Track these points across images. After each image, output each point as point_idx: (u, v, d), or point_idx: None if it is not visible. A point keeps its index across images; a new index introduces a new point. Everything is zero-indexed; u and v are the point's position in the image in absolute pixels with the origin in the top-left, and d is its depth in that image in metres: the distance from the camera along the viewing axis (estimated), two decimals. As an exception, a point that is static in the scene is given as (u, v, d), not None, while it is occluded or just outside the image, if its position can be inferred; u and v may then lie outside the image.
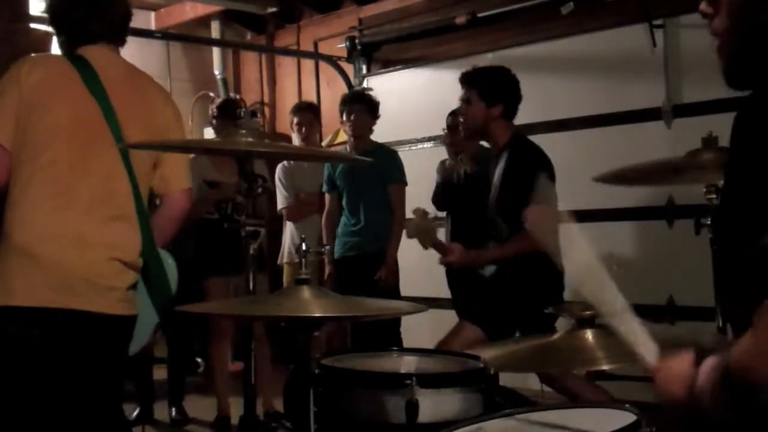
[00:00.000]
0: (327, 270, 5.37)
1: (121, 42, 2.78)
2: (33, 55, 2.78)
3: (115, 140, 2.56)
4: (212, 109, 5.36)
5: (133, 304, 2.57)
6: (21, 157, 2.50)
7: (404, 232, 4.34)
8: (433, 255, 5.22)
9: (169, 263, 2.72)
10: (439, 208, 5.28)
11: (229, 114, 5.13)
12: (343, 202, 5.35)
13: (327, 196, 5.44)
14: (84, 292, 2.44)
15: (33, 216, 2.46)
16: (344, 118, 5.31)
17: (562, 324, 2.21)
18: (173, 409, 5.26)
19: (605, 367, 1.98)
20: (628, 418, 1.81)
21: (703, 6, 1.34)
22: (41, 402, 2.42)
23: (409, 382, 2.03)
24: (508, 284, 3.70)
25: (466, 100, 3.88)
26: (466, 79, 3.91)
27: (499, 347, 2.39)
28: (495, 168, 3.85)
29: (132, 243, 2.57)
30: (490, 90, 3.82)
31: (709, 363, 1.24)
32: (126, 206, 2.58)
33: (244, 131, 2.25)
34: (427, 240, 3.99)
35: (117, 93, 2.61)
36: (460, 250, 3.83)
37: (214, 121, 5.25)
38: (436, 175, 5.30)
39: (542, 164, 3.70)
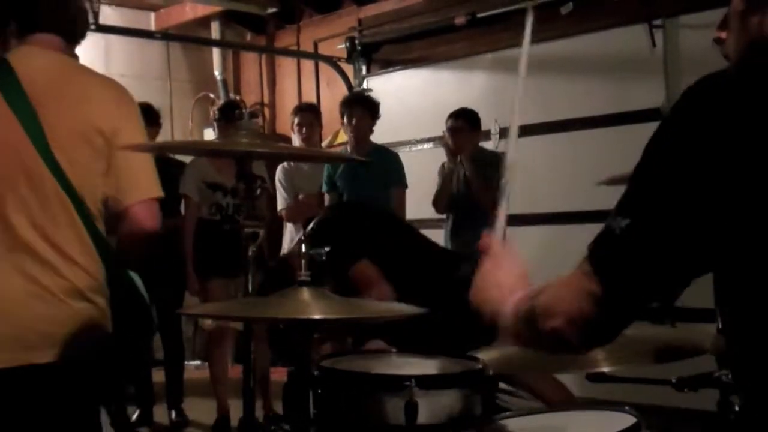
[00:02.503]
0: (327, 271, 5.37)
1: (69, 37, 2.35)
2: None
3: (42, 157, 2.18)
4: (213, 111, 5.37)
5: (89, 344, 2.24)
6: None
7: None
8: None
9: (135, 279, 2.38)
10: (439, 211, 5.29)
11: (230, 116, 5.15)
12: (343, 203, 5.35)
13: (327, 197, 5.44)
14: (42, 344, 2.16)
15: None
16: (345, 120, 5.30)
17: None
18: (173, 411, 5.26)
19: (604, 370, 1.97)
20: (627, 420, 1.81)
21: (717, 32, 1.37)
22: None
23: (408, 383, 2.03)
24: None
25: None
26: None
27: (496, 349, 2.39)
28: None
29: (90, 272, 2.23)
30: None
31: (521, 295, 1.34)
32: (73, 233, 2.21)
33: (244, 132, 2.24)
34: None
35: (45, 101, 2.21)
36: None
37: (215, 123, 5.26)
38: (437, 177, 5.30)
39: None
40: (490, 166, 4.88)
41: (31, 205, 2.17)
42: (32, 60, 2.26)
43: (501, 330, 1.37)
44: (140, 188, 2.28)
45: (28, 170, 2.17)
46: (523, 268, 1.44)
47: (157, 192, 2.30)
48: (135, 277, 2.35)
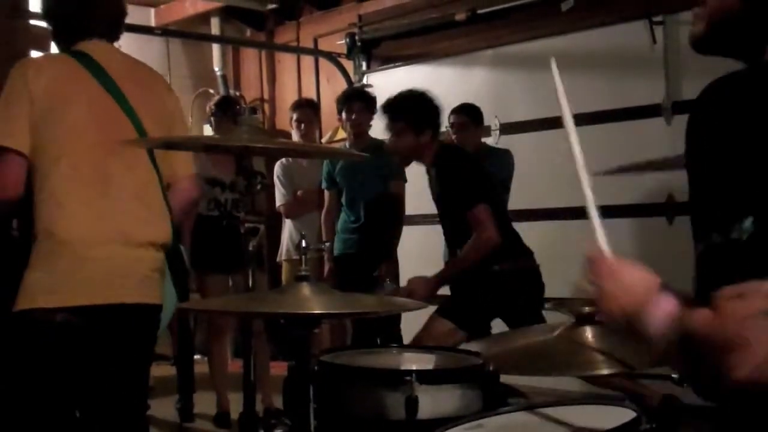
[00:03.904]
0: (326, 267, 5.36)
1: (116, 37, 2.76)
2: (33, 57, 2.75)
3: (137, 133, 2.60)
4: (210, 106, 5.35)
5: (161, 290, 2.66)
6: (44, 160, 2.51)
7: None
8: (435, 251, 5.23)
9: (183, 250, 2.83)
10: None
11: (227, 111, 5.14)
12: (343, 199, 5.34)
13: (326, 193, 5.44)
14: (131, 286, 2.54)
15: (76, 216, 2.49)
16: (344, 116, 5.30)
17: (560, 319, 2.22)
18: (181, 401, 5.26)
19: (605, 372, 1.98)
20: (627, 414, 1.81)
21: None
22: (79, 387, 2.55)
23: (408, 378, 2.03)
24: (484, 281, 3.79)
25: (396, 132, 3.93)
26: (390, 110, 3.97)
27: (498, 345, 2.39)
28: (430, 181, 4.00)
29: (164, 232, 2.65)
30: (417, 119, 3.90)
31: (667, 309, 1.19)
32: (156, 196, 2.64)
33: (245, 127, 2.25)
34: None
35: (126, 86, 2.62)
36: (422, 283, 3.83)
37: (212, 119, 5.25)
38: None
39: (467, 167, 3.89)
40: (493, 162, 4.89)
41: (130, 171, 2.58)
42: (103, 52, 2.64)
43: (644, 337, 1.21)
44: (188, 165, 2.79)
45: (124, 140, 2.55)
46: (648, 274, 1.28)
47: (194, 170, 2.85)
48: (183, 249, 2.81)
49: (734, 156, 1.11)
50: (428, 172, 3.98)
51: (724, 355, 1.05)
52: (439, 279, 3.88)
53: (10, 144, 2.49)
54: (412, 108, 3.93)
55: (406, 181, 5.34)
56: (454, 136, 5.12)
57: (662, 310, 1.19)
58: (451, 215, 3.88)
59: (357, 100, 5.31)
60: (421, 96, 4.01)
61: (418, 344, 3.59)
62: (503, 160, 5.12)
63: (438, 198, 3.97)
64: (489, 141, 5.57)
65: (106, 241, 2.51)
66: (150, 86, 2.75)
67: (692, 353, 1.11)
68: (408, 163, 4.19)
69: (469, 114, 5.14)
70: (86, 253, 2.48)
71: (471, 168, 3.90)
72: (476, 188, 3.80)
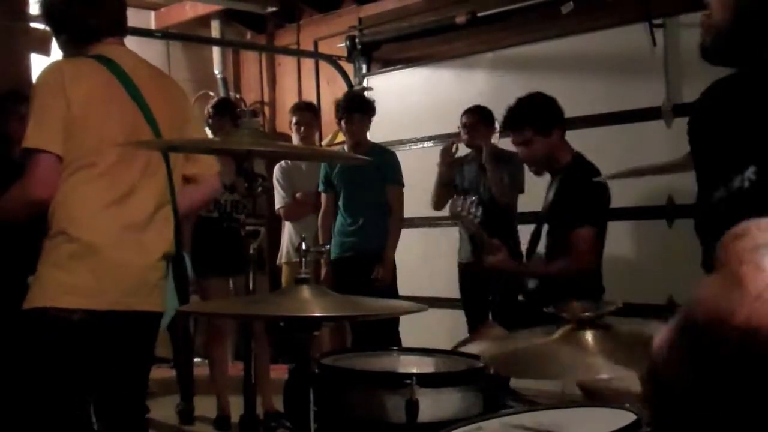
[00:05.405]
0: (323, 270, 5.35)
1: (124, 33, 2.76)
2: (65, 61, 2.70)
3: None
4: (208, 109, 5.35)
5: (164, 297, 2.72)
6: (74, 165, 2.54)
7: (448, 208, 3.94)
8: (434, 254, 5.22)
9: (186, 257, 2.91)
10: (436, 208, 5.26)
11: (224, 113, 5.14)
12: (340, 202, 5.33)
13: (323, 196, 5.43)
14: (144, 295, 2.61)
15: (103, 223, 2.55)
16: (343, 124, 5.28)
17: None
18: (181, 404, 5.26)
19: (605, 376, 1.98)
20: (628, 417, 1.81)
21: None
22: (83, 387, 2.61)
23: (409, 381, 2.03)
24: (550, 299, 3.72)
25: (523, 143, 3.72)
26: (513, 123, 3.77)
27: (498, 347, 2.39)
28: (551, 185, 3.76)
29: (170, 240, 2.69)
30: (542, 122, 3.68)
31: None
32: (168, 206, 2.69)
33: (246, 130, 2.25)
34: (471, 226, 3.72)
35: (149, 94, 2.67)
36: (505, 254, 3.65)
37: (210, 121, 5.24)
38: (437, 166, 5.24)
39: (596, 191, 3.57)
40: (505, 164, 4.89)
41: (152, 182, 2.64)
42: (126, 59, 2.67)
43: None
44: (214, 164, 2.87)
45: (147, 150, 2.66)
46: None
47: (219, 167, 2.93)
48: (186, 256, 2.88)
49: (735, 116, 1.09)
50: (554, 173, 3.75)
51: (722, 302, 0.97)
52: (524, 270, 3.73)
53: (45, 146, 2.50)
54: (532, 112, 3.73)
55: (403, 185, 5.33)
56: (465, 136, 5.11)
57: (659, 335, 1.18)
58: (551, 221, 3.67)
59: (355, 111, 5.26)
60: (538, 97, 3.80)
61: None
62: (516, 161, 5.11)
63: (550, 199, 3.73)
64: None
65: (127, 249, 2.57)
66: (170, 95, 2.79)
67: (701, 334, 1.05)
68: (543, 171, 3.87)
69: (480, 114, 5.13)
70: (109, 259, 2.53)
71: (597, 191, 3.61)
72: (590, 210, 3.56)
